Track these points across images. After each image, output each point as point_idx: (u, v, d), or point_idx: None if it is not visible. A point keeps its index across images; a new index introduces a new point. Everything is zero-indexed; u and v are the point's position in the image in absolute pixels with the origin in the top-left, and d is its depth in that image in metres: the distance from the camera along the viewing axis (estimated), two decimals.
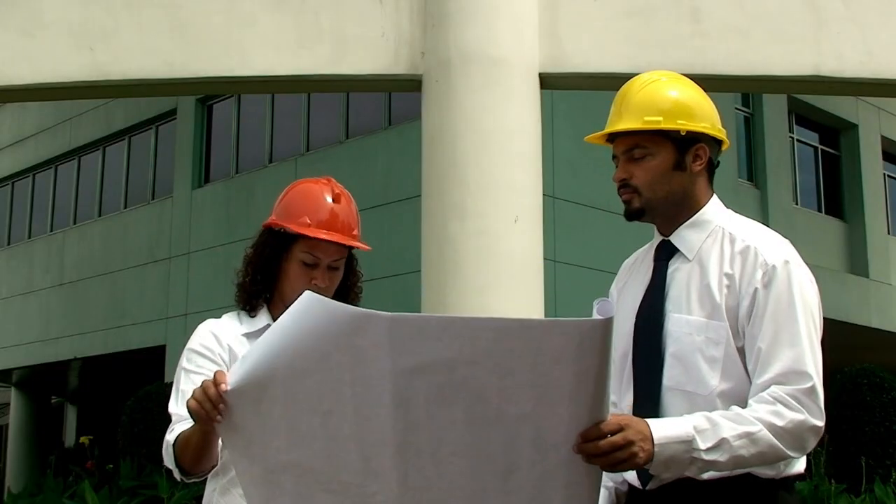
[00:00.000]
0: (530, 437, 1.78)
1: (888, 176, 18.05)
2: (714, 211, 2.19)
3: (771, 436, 1.93)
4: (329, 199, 2.43)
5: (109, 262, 17.03)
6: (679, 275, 2.14)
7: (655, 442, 1.87)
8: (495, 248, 4.86)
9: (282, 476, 1.90)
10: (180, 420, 2.25)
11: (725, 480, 2.01)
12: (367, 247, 2.48)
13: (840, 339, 16.15)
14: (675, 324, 2.10)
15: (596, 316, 1.72)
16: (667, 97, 2.16)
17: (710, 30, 5.11)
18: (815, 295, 2.09)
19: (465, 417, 1.77)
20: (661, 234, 2.23)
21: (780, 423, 1.94)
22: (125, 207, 17.45)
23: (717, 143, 2.21)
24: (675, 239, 2.18)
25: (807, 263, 2.14)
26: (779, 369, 1.98)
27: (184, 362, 2.38)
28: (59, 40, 5.12)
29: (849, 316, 15.57)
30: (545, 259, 5.17)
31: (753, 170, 15.06)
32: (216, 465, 2.27)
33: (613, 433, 1.81)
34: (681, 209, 2.18)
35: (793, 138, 16.41)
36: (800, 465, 2.12)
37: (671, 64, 5.11)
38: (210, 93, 13.74)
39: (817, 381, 1.99)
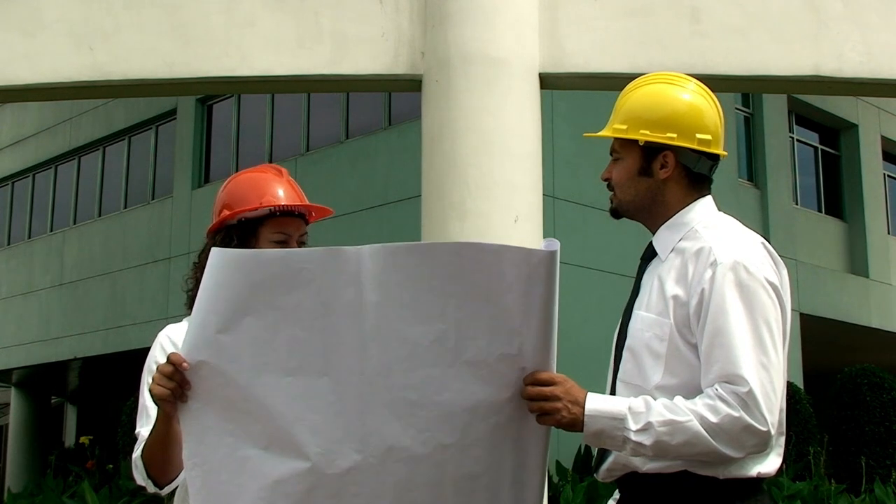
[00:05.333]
0: (485, 383, 1.85)
1: (888, 176, 18.06)
2: (695, 213, 2.20)
3: (701, 428, 1.96)
4: (276, 179, 2.40)
5: (109, 262, 17.03)
6: (650, 274, 2.22)
7: (586, 412, 1.96)
8: None
9: (248, 456, 1.86)
10: (144, 441, 2.18)
11: (679, 477, 2.04)
12: (330, 210, 2.48)
13: (840, 339, 16.20)
14: (633, 320, 2.18)
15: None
16: (640, 105, 2.22)
17: (710, 30, 5.11)
18: (766, 298, 2.05)
19: (427, 360, 1.82)
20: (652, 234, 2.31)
21: (713, 418, 1.96)
22: (125, 207, 17.44)
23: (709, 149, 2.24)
24: (654, 239, 2.25)
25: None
26: (717, 371, 2.00)
27: (147, 376, 2.26)
28: (59, 40, 5.12)
29: (849, 316, 15.57)
30: None
31: (753, 170, 15.05)
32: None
33: (546, 384, 1.91)
34: (654, 212, 2.24)
35: (793, 138, 16.40)
36: (761, 468, 2.08)
37: (671, 64, 5.11)
38: (210, 93, 13.74)
39: (755, 385, 1.97)
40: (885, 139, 17.64)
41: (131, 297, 16.32)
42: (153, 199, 16.80)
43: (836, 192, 17.13)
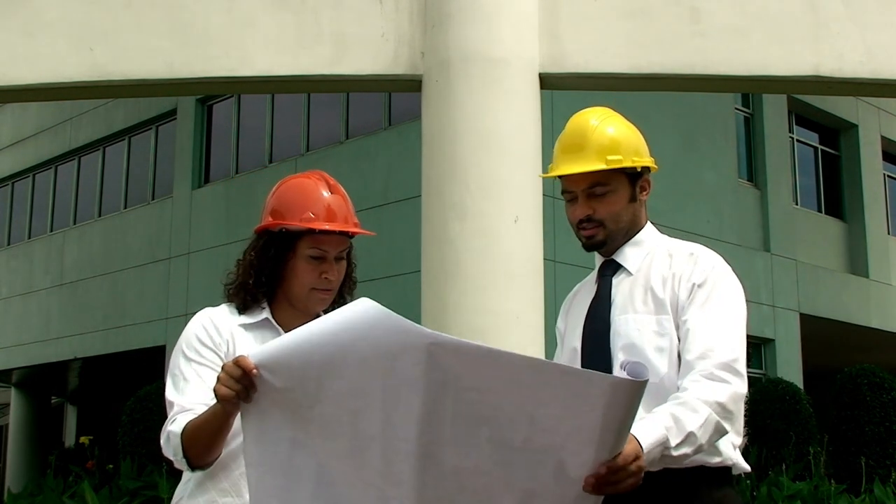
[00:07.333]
0: (552, 467, 1.83)
1: (888, 176, 18.05)
2: (649, 233, 2.42)
3: (715, 415, 2.07)
4: (325, 192, 2.42)
5: (109, 262, 17.03)
6: (623, 286, 2.36)
7: (644, 452, 1.96)
8: (495, 248, 4.86)
9: (304, 465, 1.91)
10: (183, 410, 2.23)
11: (672, 473, 2.12)
12: (371, 232, 2.51)
13: (840, 339, 16.20)
14: (622, 324, 2.29)
15: (624, 375, 1.84)
16: (615, 137, 2.36)
17: (710, 30, 5.11)
18: (743, 302, 2.29)
19: (491, 439, 1.81)
20: (603, 255, 2.43)
21: (720, 398, 2.08)
22: (125, 207, 17.44)
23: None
24: (619, 257, 2.40)
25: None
26: (707, 343, 2.15)
27: (185, 350, 2.35)
28: (59, 40, 5.12)
29: (849, 316, 15.57)
30: (545, 259, 5.17)
31: (753, 170, 15.05)
32: (220, 456, 2.24)
33: (628, 464, 1.88)
34: (627, 235, 2.40)
35: (793, 138, 16.40)
36: (739, 461, 2.27)
37: (671, 64, 5.12)
38: (210, 93, 13.74)
39: (740, 355, 2.16)
40: (885, 139, 17.63)
41: (131, 297, 16.32)
42: (153, 199, 16.79)
43: (836, 192, 17.13)
